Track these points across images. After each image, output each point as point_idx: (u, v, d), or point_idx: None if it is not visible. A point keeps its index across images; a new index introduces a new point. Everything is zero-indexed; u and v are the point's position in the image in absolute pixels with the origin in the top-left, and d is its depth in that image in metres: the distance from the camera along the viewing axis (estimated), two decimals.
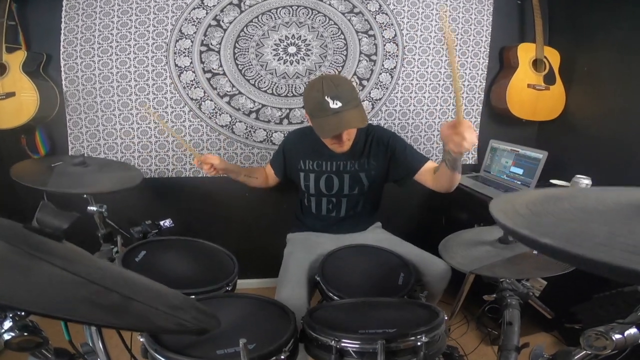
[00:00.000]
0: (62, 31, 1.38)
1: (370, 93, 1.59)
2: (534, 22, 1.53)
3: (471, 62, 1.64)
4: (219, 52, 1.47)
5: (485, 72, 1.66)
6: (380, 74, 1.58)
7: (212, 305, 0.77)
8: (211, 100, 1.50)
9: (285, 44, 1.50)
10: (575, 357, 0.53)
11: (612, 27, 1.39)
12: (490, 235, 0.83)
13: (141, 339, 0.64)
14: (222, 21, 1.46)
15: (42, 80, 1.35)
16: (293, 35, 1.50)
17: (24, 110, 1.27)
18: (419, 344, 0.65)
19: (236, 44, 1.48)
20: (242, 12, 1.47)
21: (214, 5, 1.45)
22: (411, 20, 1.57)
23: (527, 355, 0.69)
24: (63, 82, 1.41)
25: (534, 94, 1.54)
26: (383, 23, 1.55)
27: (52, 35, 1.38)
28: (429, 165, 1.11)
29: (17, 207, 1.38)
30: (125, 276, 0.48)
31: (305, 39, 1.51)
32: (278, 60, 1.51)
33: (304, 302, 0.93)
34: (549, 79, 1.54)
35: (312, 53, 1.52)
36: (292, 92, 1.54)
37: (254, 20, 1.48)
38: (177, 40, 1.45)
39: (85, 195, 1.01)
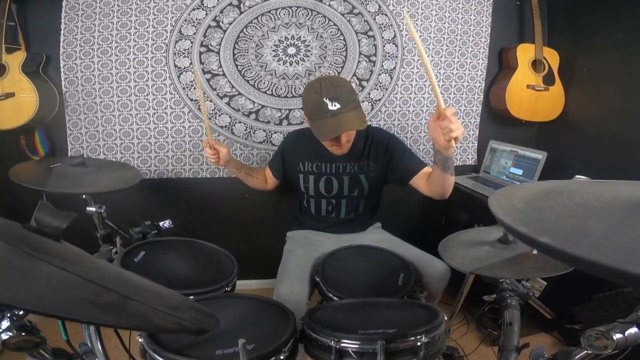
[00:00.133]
0: (62, 32, 1.38)
1: (369, 94, 1.60)
2: (533, 22, 1.53)
3: (470, 62, 1.65)
4: (218, 53, 1.47)
5: (485, 73, 1.66)
6: (380, 74, 1.59)
7: (211, 305, 0.77)
8: (211, 100, 1.51)
9: (284, 44, 1.50)
10: (576, 357, 0.53)
11: (612, 27, 1.39)
12: (490, 235, 0.83)
13: (140, 340, 0.63)
14: (222, 22, 1.46)
15: (42, 80, 1.35)
16: (293, 36, 1.50)
17: (24, 111, 1.27)
18: (418, 344, 0.65)
19: (236, 45, 1.48)
20: (241, 13, 1.47)
21: (213, 6, 1.45)
22: (411, 21, 1.57)
23: (528, 356, 0.68)
24: (62, 83, 1.41)
25: (533, 95, 1.54)
26: (382, 24, 1.55)
27: (51, 36, 1.38)
28: (426, 170, 1.11)
29: (16, 207, 1.38)
30: (124, 276, 0.48)
31: (305, 40, 1.51)
32: (278, 61, 1.51)
33: (302, 299, 0.92)
34: (548, 80, 1.55)
35: (311, 54, 1.52)
36: (291, 93, 1.54)
37: (253, 21, 1.48)
38: (176, 41, 1.45)
39: (84, 196, 1.01)
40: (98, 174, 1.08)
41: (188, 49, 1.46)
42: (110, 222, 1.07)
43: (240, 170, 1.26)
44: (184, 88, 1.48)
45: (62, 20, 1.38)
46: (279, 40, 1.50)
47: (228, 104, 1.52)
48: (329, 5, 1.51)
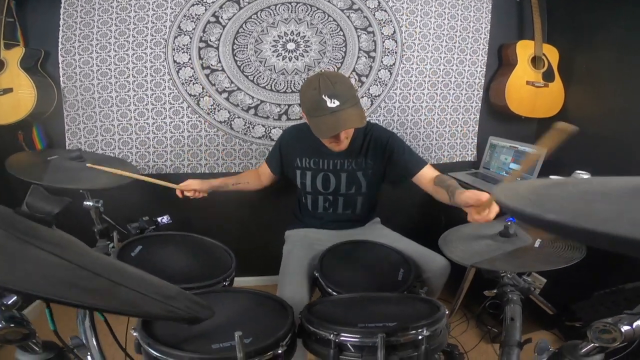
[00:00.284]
0: (60, 28, 1.38)
1: (369, 89, 1.59)
2: (532, 19, 1.53)
3: (470, 59, 1.64)
4: (217, 48, 1.47)
5: (484, 69, 1.66)
6: (379, 70, 1.58)
7: (209, 299, 0.75)
8: (210, 96, 1.50)
9: (284, 40, 1.50)
10: (582, 350, 0.51)
11: (612, 25, 1.39)
12: (491, 229, 0.82)
13: (135, 334, 0.62)
14: (221, 18, 1.46)
15: (40, 76, 1.34)
16: (292, 31, 1.50)
17: (22, 106, 1.26)
18: (420, 337, 0.64)
19: (235, 41, 1.47)
20: (241, 8, 1.46)
21: (212, 2, 1.45)
22: (410, 17, 1.57)
23: (528, 352, 0.67)
24: (61, 79, 1.41)
25: (532, 91, 1.54)
26: (382, 20, 1.55)
27: (50, 32, 1.37)
28: (427, 170, 1.10)
29: (11, 196, 1.37)
30: (117, 266, 0.47)
31: (304, 36, 1.51)
32: (277, 56, 1.50)
33: (305, 300, 0.91)
34: (548, 76, 1.54)
35: (311, 49, 1.52)
36: (290, 89, 1.53)
37: (252, 17, 1.47)
38: (175, 37, 1.44)
39: (81, 190, 1.00)
40: (95, 170, 1.07)
41: (187, 45, 1.45)
42: (108, 218, 1.06)
43: (227, 186, 1.26)
44: (182, 83, 1.48)
45: (61, 16, 1.37)
46: (278, 36, 1.49)
47: (227, 99, 1.51)
48: (329, 1, 1.50)
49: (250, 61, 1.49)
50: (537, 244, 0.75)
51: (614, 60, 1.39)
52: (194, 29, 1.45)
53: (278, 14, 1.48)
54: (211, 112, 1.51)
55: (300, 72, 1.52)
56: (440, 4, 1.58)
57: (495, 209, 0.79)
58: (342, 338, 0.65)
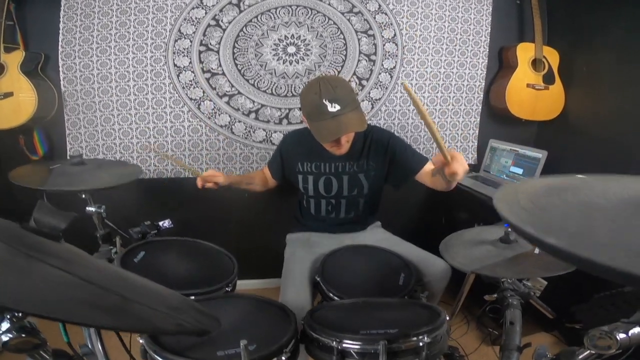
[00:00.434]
0: (61, 31, 1.38)
1: (369, 93, 1.59)
2: (533, 21, 1.53)
3: (470, 61, 1.64)
4: (218, 52, 1.47)
5: (485, 72, 1.66)
6: (380, 73, 1.58)
7: (211, 306, 0.77)
8: (210, 100, 1.50)
9: (284, 43, 1.50)
10: (580, 357, 0.53)
11: (612, 27, 1.39)
12: (491, 235, 0.83)
13: (140, 341, 0.63)
14: (222, 21, 1.46)
15: (40, 80, 1.34)
16: (292, 35, 1.50)
17: (22, 111, 1.27)
18: (420, 344, 0.65)
19: (235, 44, 1.47)
20: (241, 12, 1.46)
21: (213, 5, 1.44)
22: (410, 20, 1.57)
23: (528, 356, 0.68)
24: (61, 82, 1.41)
25: (533, 94, 1.54)
26: (382, 23, 1.55)
27: (50, 35, 1.37)
28: (429, 166, 1.11)
29: (15, 209, 1.37)
30: (124, 277, 0.47)
31: (305, 39, 1.51)
32: (277, 60, 1.50)
33: (308, 304, 0.92)
34: (548, 79, 1.55)
35: (311, 53, 1.52)
36: (291, 92, 1.53)
37: (253, 20, 1.47)
38: (176, 40, 1.44)
39: (83, 195, 1.01)
40: (97, 172, 1.07)
41: (187, 48, 1.45)
42: (110, 222, 1.06)
43: (241, 184, 1.27)
44: (183, 87, 1.48)
45: (61, 19, 1.37)
46: (278, 39, 1.49)
47: (228, 103, 1.51)
48: (329, 4, 1.50)
49: (251, 65, 1.49)
50: (537, 251, 0.75)
51: (614, 62, 1.39)
52: (194, 32, 1.45)
53: (278, 17, 1.48)
54: (212, 116, 1.51)
55: (300, 76, 1.52)
56: (440, 6, 1.58)
57: (460, 159, 0.81)
58: (344, 345, 0.66)
